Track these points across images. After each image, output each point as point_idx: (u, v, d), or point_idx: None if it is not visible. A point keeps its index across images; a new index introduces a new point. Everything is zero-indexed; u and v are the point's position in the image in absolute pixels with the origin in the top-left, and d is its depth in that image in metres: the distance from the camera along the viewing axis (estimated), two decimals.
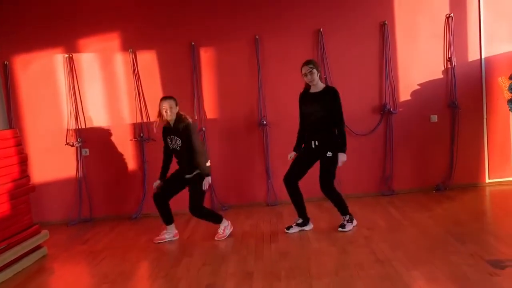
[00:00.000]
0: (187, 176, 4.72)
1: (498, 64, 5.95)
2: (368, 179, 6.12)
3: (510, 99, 5.55)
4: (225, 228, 4.84)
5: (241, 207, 6.01)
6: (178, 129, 4.65)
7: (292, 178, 4.74)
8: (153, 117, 5.75)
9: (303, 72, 4.61)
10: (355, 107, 5.81)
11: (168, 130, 4.76)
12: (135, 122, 6.03)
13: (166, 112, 4.64)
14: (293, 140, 4.88)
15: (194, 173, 4.66)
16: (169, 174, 4.91)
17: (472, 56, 6.00)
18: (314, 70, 4.58)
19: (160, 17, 5.94)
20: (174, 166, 4.91)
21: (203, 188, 4.62)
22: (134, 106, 6.01)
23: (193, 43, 5.93)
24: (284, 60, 5.87)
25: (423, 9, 5.94)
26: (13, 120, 6.00)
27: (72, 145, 6.02)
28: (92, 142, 6.07)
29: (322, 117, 4.58)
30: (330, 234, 4.63)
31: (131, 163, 6.10)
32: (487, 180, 6.12)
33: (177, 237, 4.96)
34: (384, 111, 6.01)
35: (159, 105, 4.71)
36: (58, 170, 6.06)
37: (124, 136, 6.06)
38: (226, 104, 6.04)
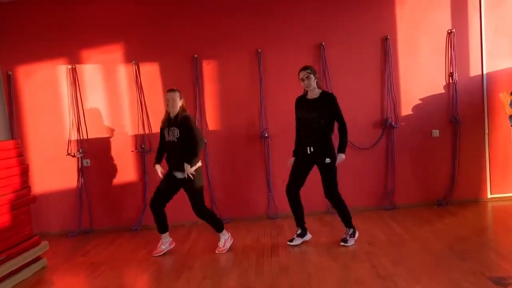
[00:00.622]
0: (179, 176, 4.70)
1: (499, 79, 5.97)
2: (370, 193, 6.11)
3: None
4: (225, 241, 4.83)
5: (242, 220, 5.99)
6: (177, 120, 4.68)
7: (293, 189, 4.77)
8: (155, 129, 5.79)
9: (300, 77, 4.65)
10: (357, 121, 5.81)
11: (168, 121, 4.77)
12: (136, 133, 6.04)
13: (168, 104, 4.71)
14: None
15: (185, 175, 4.64)
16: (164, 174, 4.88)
17: (474, 71, 6.02)
18: (311, 76, 4.60)
19: (164, 30, 5.98)
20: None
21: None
22: (136, 118, 6.02)
23: (195, 55, 5.97)
24: (285, 73, 5.88)
25: (425, 24, 5.98)
26: (15, 129, 6.02)
27: (74, 156, 6.02)
28: (94, 153, 6.08)
29: (317, 123, 4.59)
30: (331, 249, 4.61)
31: (132, 175, 6.09)
32: (489, 196, 6.10)
33: (173, 245, 4.96)
34: (385, 125, 6.02)
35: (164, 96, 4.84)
36: (59, 181, 6.06)
37: (125, 147, 6.06)
38: (228, 116, 6.05)
